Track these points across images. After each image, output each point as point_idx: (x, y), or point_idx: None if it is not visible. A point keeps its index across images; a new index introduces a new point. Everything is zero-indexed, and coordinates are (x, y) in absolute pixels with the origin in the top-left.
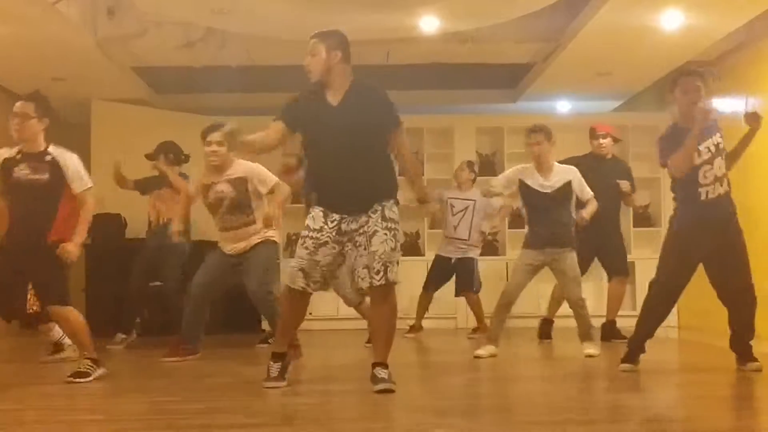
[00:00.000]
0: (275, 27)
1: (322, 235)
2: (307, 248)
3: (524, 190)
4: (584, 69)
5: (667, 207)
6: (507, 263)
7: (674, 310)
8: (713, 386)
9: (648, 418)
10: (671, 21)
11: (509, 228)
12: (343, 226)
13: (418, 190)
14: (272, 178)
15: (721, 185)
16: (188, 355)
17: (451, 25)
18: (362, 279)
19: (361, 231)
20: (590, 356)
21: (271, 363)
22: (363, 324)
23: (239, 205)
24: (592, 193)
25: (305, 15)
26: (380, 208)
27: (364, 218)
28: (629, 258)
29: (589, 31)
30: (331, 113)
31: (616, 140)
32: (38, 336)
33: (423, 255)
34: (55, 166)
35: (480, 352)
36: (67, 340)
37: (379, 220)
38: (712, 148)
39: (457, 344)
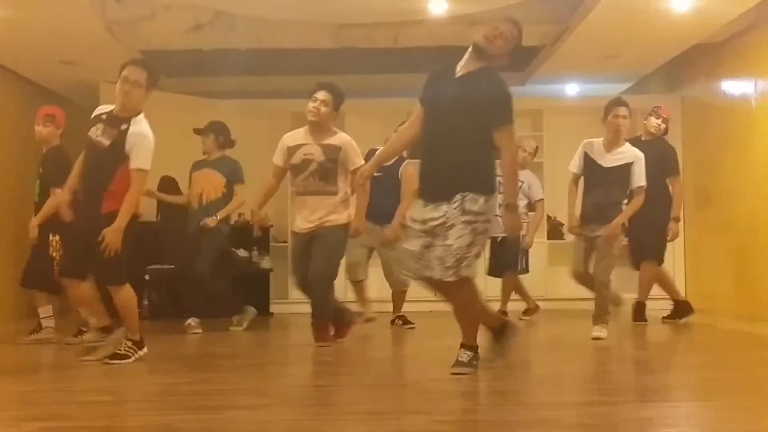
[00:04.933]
0: (284, 9)
1: (426, 226)
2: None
3: (586, 163)
4: (593, 51)
5: None
6: None
7: (682, 292)
8: (724, 367)
9: (664, 398)
10: (681, 2)
11: None
12: (435, 214)
13: (506, 195)
14: (361, 160)
15: None
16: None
17: (459, 8)
18: (431, 269)
19: (441, 223)
20: (597, 339)
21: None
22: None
23: (326, 172)
24: (644, 183)
25: None
26: (460, 198)
27: (445, 207)
28: None
29: (597, 14)
30: (451, 84)
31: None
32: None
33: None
34: (121, 136)
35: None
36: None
37: (459, 213)
38: None
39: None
